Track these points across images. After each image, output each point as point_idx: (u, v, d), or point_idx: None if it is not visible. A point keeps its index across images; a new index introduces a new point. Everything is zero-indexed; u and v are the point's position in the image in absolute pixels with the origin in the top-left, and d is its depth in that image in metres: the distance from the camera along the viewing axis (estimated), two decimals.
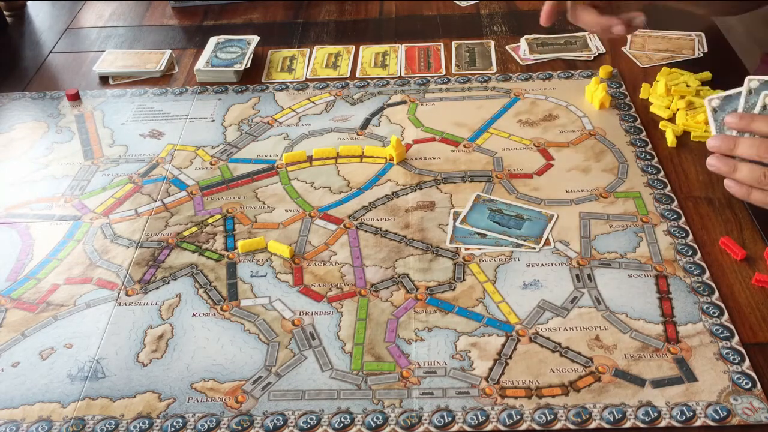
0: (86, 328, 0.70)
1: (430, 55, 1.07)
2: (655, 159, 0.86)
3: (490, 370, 0.64)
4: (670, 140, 0.87)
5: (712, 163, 0.74)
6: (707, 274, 0.72)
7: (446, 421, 0.61)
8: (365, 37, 1.13)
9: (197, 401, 0.64)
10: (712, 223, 0.77)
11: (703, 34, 1.06)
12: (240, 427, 0.61)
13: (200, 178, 0.87)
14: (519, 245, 0.76)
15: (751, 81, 0.74)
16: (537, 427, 0.60)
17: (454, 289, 0.72)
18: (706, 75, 0.96)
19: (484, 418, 0.61)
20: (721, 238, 0.75)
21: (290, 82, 1.03)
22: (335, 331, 0.69)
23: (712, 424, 0.59)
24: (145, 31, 1.18)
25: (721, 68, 0.98)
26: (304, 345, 0.68)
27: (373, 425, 0.61)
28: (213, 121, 0.97)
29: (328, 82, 1.03)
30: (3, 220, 0.83)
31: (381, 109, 0.97)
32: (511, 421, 0.60)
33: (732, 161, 0.72)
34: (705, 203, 0.79)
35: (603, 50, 1.05)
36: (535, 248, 0.75)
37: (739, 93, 0.75)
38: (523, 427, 0.60)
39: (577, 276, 0.72)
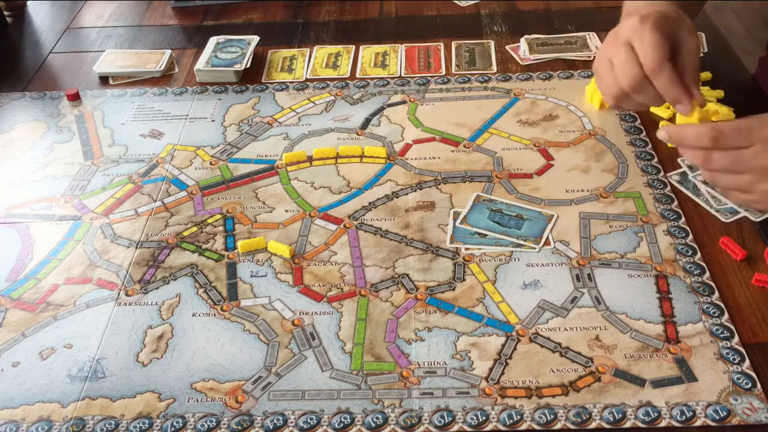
0: (86, 328, 0.70)
1: (430, 55, 1.07)
2: (655, 159, 0.85)
3: (490, 370, 0.64)
4: None
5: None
6: (707, 274, 0.72)
7: (446, 421, 0.61)
8: (365, 37, 1.13)
9: (197, 401, 0.64)
10: (712, 223, 0.77)
11: (703, 34, 1.05)
12: (240, 427, 0.61)
13: (200, 178, 0.87)
14: (519, 245, 0.76)
15: (685, 160, 0.81)
16: (537, 427, 0.60)
17: (454, 289, 0.72)
18: (706, 75, 0.96)
19: (484, 418, 0.61)
20: (721, 238, 0.75)
21: (290, 82, 1.03)
22: (335, 331, 0.69)
23: (712, 424, 0.59)
24: (145, 31, 1.18)
25: (721, 68, 0.98)
26: (304, 345, 0.68)
27: (373, 425, 0.61)
28: (213, 121, 0.97)
29: (328, 82, 1.02)
30: (3, 220, 0.83)
31: (381, 109, 0.97)
32: (511, 421, 0.60)
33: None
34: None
35: None
36: (535, 248, 0.75)
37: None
38: (523, 427, 0.60)
39: (577, 276, 0.72)
